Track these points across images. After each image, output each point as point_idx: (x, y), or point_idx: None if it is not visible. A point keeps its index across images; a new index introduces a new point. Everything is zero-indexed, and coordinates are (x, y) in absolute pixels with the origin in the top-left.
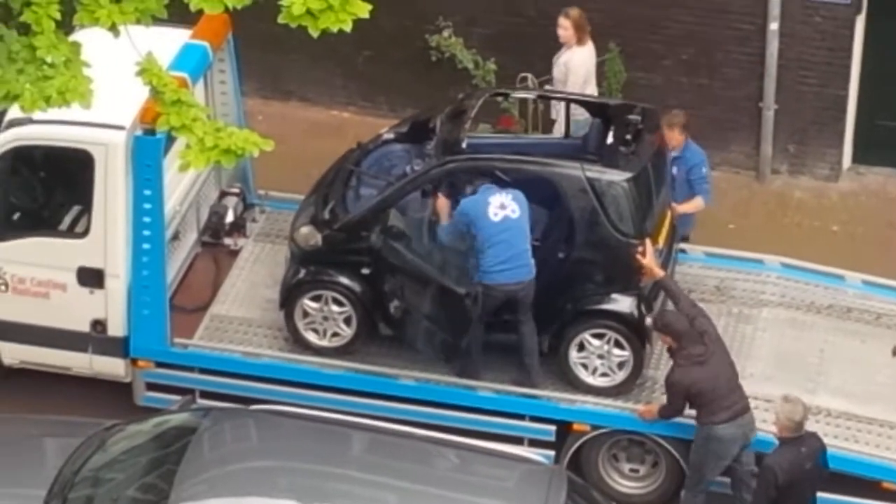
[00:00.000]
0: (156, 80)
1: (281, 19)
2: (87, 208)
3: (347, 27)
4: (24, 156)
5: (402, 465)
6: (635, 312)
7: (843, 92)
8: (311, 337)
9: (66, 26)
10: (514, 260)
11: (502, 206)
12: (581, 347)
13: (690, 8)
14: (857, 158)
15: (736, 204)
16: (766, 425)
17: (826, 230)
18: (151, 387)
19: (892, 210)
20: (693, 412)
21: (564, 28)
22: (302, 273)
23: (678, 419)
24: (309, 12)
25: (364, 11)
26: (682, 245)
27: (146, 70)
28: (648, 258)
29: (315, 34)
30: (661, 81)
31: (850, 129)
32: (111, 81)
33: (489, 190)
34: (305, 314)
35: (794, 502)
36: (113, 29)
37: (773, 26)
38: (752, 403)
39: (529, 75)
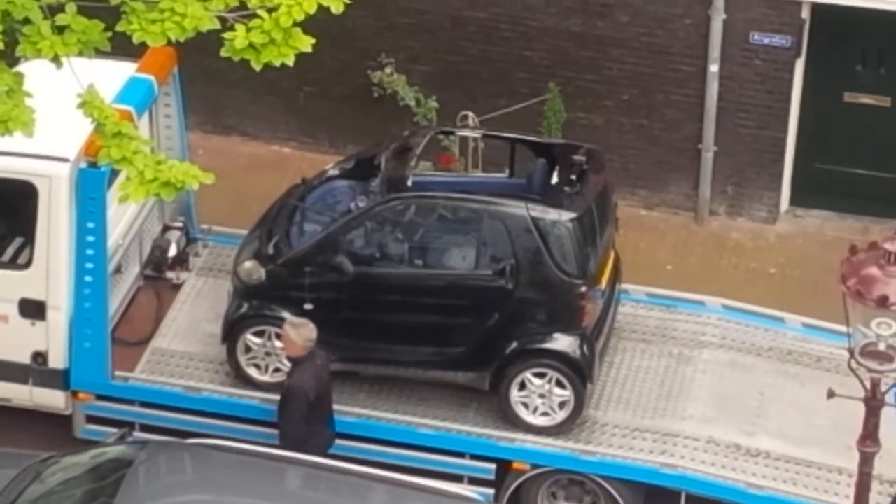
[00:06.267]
0: (97, 113)
1: (223, 53)
2: (30, 240)
3: (290, 61)
4: None
5: (337, 500)
6: (577, 352)
7: (781, 134)
8: (253, 372)
9: (9, 57)
10: None
11: None
12: (522, 386)
13: (631, 49)
14: (794, 201)
15: (674, 245)
16: (704, 466)
17: (763, 272)
18: (91, 419)
19: (830, 253)
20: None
21: None
22: (245, 308)
23: (623, 461)
24: (251, 46)
25: (307, 46)
26: (625, 286)
27: (87, 102)
28: None
29: (257, 68)
30: (602, 122)
31: (788, 172)
32: (57, 114)
33: None
34: (247, 349)
35: (322, 413)
36: (55, 60)
37: (714, 68)
38: (692, 445)
39: (470, 113)
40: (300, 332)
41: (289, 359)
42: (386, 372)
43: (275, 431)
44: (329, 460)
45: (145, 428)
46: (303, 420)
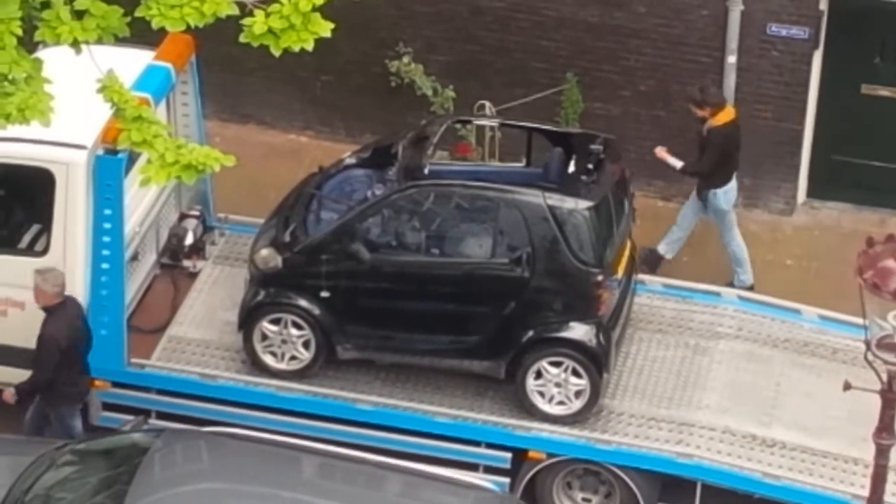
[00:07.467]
0: (117, 97)
1: (243, 38)
2: (46, 227)
3: (309, 46)
4: None
5: (352, 489)
6: (594, 341)
7: (799, 126)
8: (269, 360)
9: (28, 44)
10: None
11: None
12: (538, 375)
13: (649, 40)
14: (811, 193)
15: (690, 236)
16: (720, 456)
17: (780, 264)
18: (108, 407)
19: (846, 245)
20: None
21: None
22: (261, 295)
23: (639, 450)
24: (271, 31)
25: (326, 30)
26: (641, 276)
27: (107, 87)
28: None
29: (277, 53)
30: (619, 112)
31: (805, 164)
32: (74, 100)
33: None
34: (264, 337)
35: (76, 359)
36: (75, 46)
37: (731, 60)
38: (707, 435)
39: (487, 103)
40: (47, 278)
41: (42, 308)
42: (402, 360)
43: (290, 419)
44: (344, 449)
45: (161, 415)
46: (54, 368)
